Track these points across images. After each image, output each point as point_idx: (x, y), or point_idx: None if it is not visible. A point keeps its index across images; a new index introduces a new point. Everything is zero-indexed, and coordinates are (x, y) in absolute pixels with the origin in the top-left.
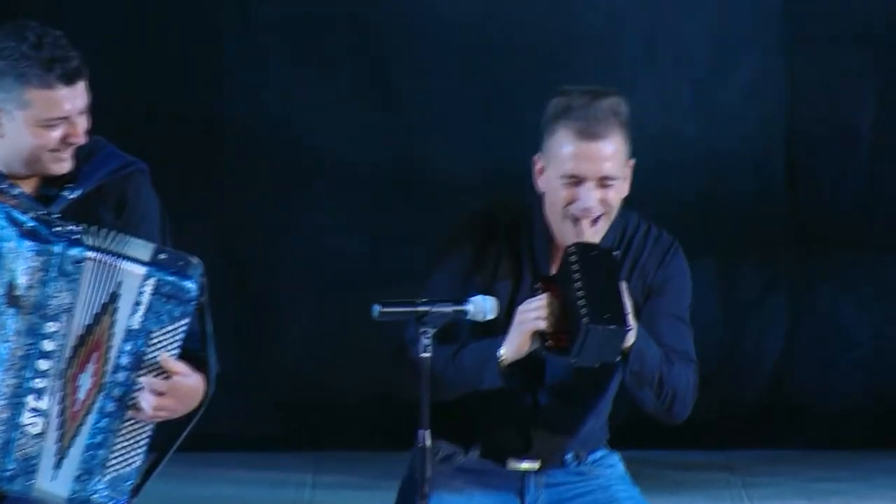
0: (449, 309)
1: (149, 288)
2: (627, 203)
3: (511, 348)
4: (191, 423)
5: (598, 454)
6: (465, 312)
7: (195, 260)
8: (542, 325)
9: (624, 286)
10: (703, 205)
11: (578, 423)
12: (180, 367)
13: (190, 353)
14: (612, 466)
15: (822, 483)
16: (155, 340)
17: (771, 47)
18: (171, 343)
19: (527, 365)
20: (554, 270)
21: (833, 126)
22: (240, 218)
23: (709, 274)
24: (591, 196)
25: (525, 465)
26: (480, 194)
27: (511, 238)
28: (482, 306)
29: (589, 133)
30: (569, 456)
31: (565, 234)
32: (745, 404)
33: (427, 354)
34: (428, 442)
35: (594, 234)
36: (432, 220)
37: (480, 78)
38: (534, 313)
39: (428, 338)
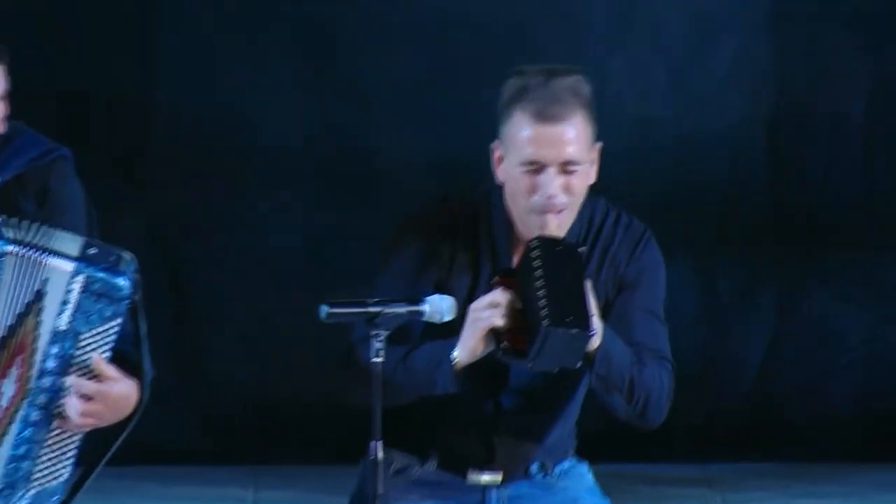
0: (403, 310)
1: (77, 286)
2: (596, 191)
3: (465, 350)
4: (123, 433)
5: (566, 464)
6: (420, 313)
7: (127, 255)
8: (498, 322)
9: (589, 285)
10: (679, 196)
11: (544, 430)
12: (111, 371)
13: (122, 357)
14: (580, 477)
15: (808, 499)
16: (84, 342)
17: (755, 26)
18: (102, 345)
19: (488, 366)
20: (516, 264)
21: (822, 112)
22: (172, 211)
23: (685, 271)
24: (553, 183)
25: (486, 478)
26: (431, 186)
27: (468, 230)
28: (439, 306)
29: (547, 115)
30: (534, 466)
31: (529, 228)
32: (725, 414)
33: (379, 359)
34: (380, 454)
35: (559, 228)
36: (380, 214)
37: (433, 58)
38: (488, 311)
39: (380, 341)
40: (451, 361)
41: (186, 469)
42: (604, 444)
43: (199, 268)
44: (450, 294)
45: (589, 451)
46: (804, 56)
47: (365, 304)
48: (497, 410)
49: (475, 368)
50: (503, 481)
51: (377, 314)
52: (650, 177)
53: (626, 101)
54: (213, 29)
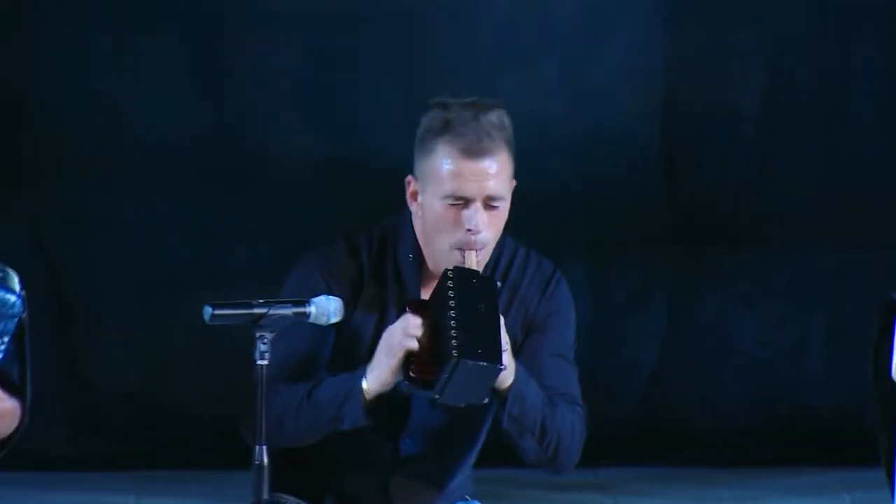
0: (289, 311)
1: None
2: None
3: (376, 376)
4: (2, 452)
5: None
6: (306, 315)
7: (12, 271)
8: (414, 345)
9: (501, 320)
10: (570, 196)
11: (444, 475)
12: None
13: (4, 376)
14: None
15: (702, 503)
16: None
17: (647, 20)
18: None
19: (389, 405)
20: (431, 294)
21: (716, 108)
22: (52, 212)
23: (577, 274)
24: (477, 217)
25: None
26: (320, 182)
27: (374, 266)
28: (325, 307)
29: (475, 150)
30: None
31: (446, 264)
32: (618, 417)
33: (264, 362)
34: (265, 459)
35: (478, 265)
36: (267, 214)
37: (322, 54)
38: (401, 335)
39: (265, 343)
40: (362, 392)
41: (67, 476)
42: (496, 448)
43: (81, 270)
44: (356, 331)
45: (481, 456)
46: (697, 50)
47: (250, 306)
48: (395, 452)
49: (378, 406)
50: None
51: (262, 315)
52: (542, 175)
53: (516, 95)
54: (92, 23)
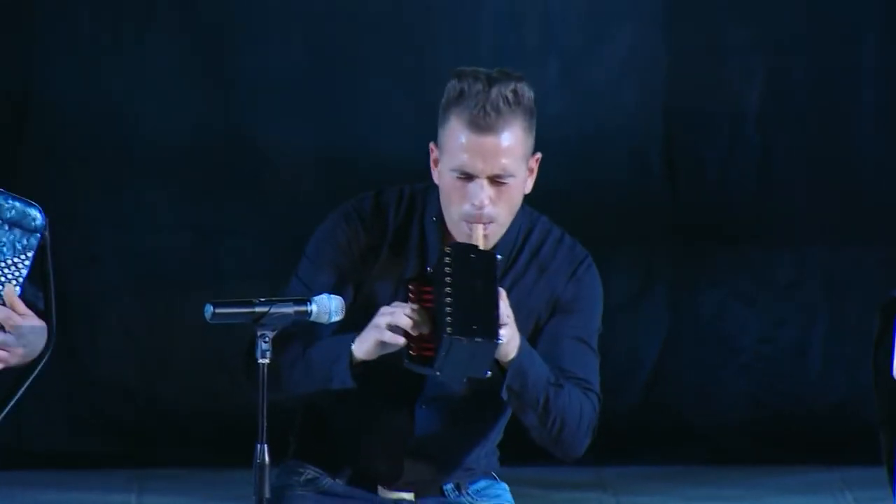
0: (290, 310)
1: None
2: (533, 191)
3: (362, 345)
4: (31, 375)
5: (481, 483)
6: (307, 313)
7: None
8: (394, 338)
9: (503, 294)
10: (570, 193)
11: (460, 449)
12: (21, 304)
13: (29, 300)
14: (496, 497)
15: (703, 501)
16: None
17: (648, 19)
18: (12, 278)
19: (405, 376)
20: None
21: (717, 106)
22: (52, 206)
23: None
24: (482, 193)
25: (398, 495)
26: (319, 179)
27: (400, 226)
28: (326, 306)
29: (482, 125)
30: (448, 486)
31: (458, 234)
32: (619, 415)
33: (265, 360)
34: (266, 457)
35: (486, 238)
36: (267, 212)
37: (323, 54)
38: (387, 318)
39: (266, 342)
40: (350, 354)
41: (68, 473)
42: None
43: (81, 267)
44: (374, 289)
45: None
46: (698, 48)
47: (251, 304)
48: (410, 425)
49: (390, 375)
50: (416, 498)
51: (264, 314)
52: (543, 174)
53: None
54: (94, 20)
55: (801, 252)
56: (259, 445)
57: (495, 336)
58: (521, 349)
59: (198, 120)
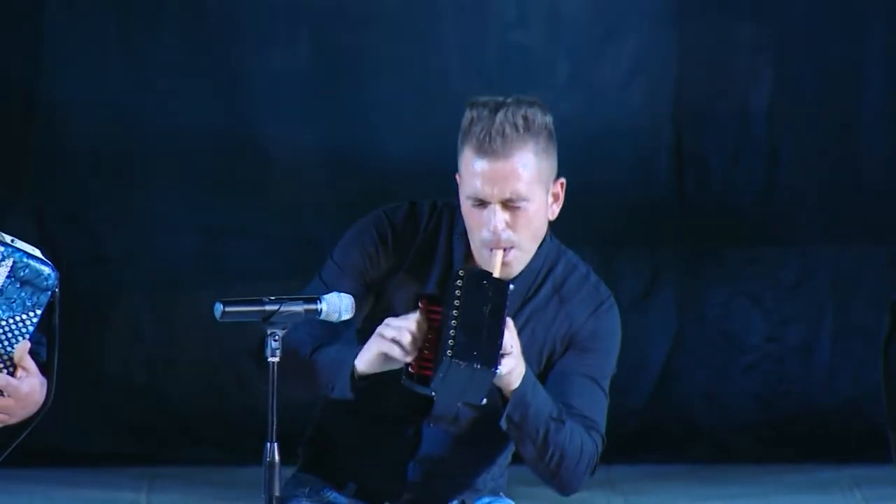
0: (299, 308)
1: (4, 270)
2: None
3: (363, 360)
4: (24, 432)
5: (485, 500)
6: (317, 312)
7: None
8: (396, 352)
9: (510, 324)
10: (578, 193)
11: (466, 468)
12: (30, 363)
13: (33, 353)
14: None
15: (712, 501)
16: (3, 330)
17: (656, 18)
18: (20, 335)
19: (414, 393)
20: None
21: (725, 106)
22: (62, 208)
23: None
24: (495, 219)
25: None
26: (328, 185)
27: (428, 239)
28: (336, 305)
29: (488, 150)
30: (453, 503)
31: (481, 262)
32: (627, 415)
33: (275, 359)
34: (276, 456)
35: (507, 266)
36: (274, 212)
37: (330, 54)
38: (392, 332)
39: (276, 340)
40: (351, 368)
41: (78, 472)
42: None
43: (89, 267)
44: (393, 296)
45: None
46: (707, 49)
47: (261, 303)
48: (417, 440)
49: (400, 391)
50: None
51: (273, 312)
52: None
53: (524, 94)
54: (101, 21)
55: (809, 251)
56: (269, 444)
57: (494, 365)
58: (524, 380)
59: (204, 120)
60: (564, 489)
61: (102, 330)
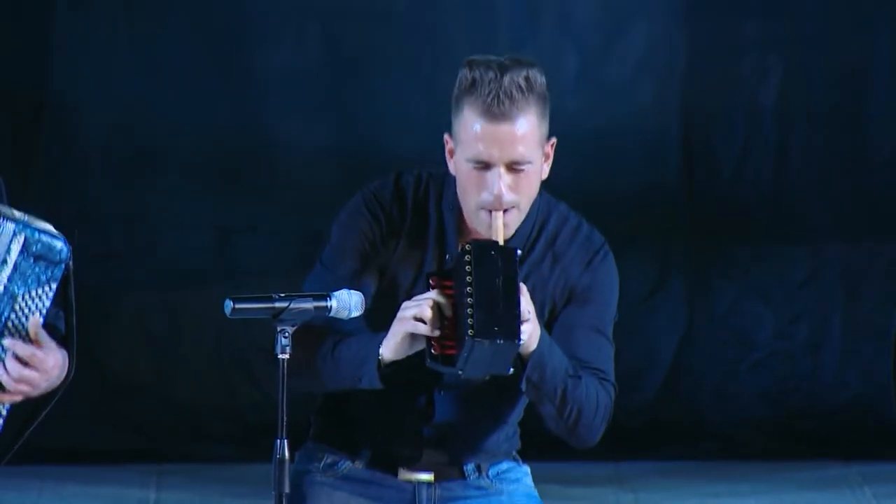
0: (309, 305)
1: (17, 245)
2: (548, 188)
3: (389, 347)
4: (48, 406)
5: (503, 466)
6: (327, 309)
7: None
8: (421, 328)
9: (524, 289)
10: (587, 188)
11: (479, 431)
12: (46, 337)
13: (51, 327)
14: (517, 481)
15: (721, 498)
16: (20, 305)
17: (665, 15)
18: (36, 310)
19: (423, 362)
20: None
21: (734, 103)
22: (71, 205)
23: None
24: (500, 182)
25: (418, 476)
26: (335, 181)
27: (418, 213)
28: (346, 302)
29: (496, 113)
30: (469, 467)
31: (476, 224)
32: (636, 411)
33: (285, 356)
34: (286, 453)
35: (506, 226)
36: (282, 208)
37: (338, 51)
38: (413, 310)
39: (286, 337)
40: (378, 357)
41: (86, 468)
42: None
43: (97, 263)
44: (395, 278)
45: None
46: (716, 45)
47: (271, 300)
48: (430, 408)
49: (409, 362)
50: (437, 480)
51: (283, 309)
52: (561, 169)
53: None
54: (111, 19)
55: (817, 248)
56: (278, 441)
57: (517, 336)
58: (541, 341)
59: (213, 117)
60: (583, 443)
61: (112, 326)
